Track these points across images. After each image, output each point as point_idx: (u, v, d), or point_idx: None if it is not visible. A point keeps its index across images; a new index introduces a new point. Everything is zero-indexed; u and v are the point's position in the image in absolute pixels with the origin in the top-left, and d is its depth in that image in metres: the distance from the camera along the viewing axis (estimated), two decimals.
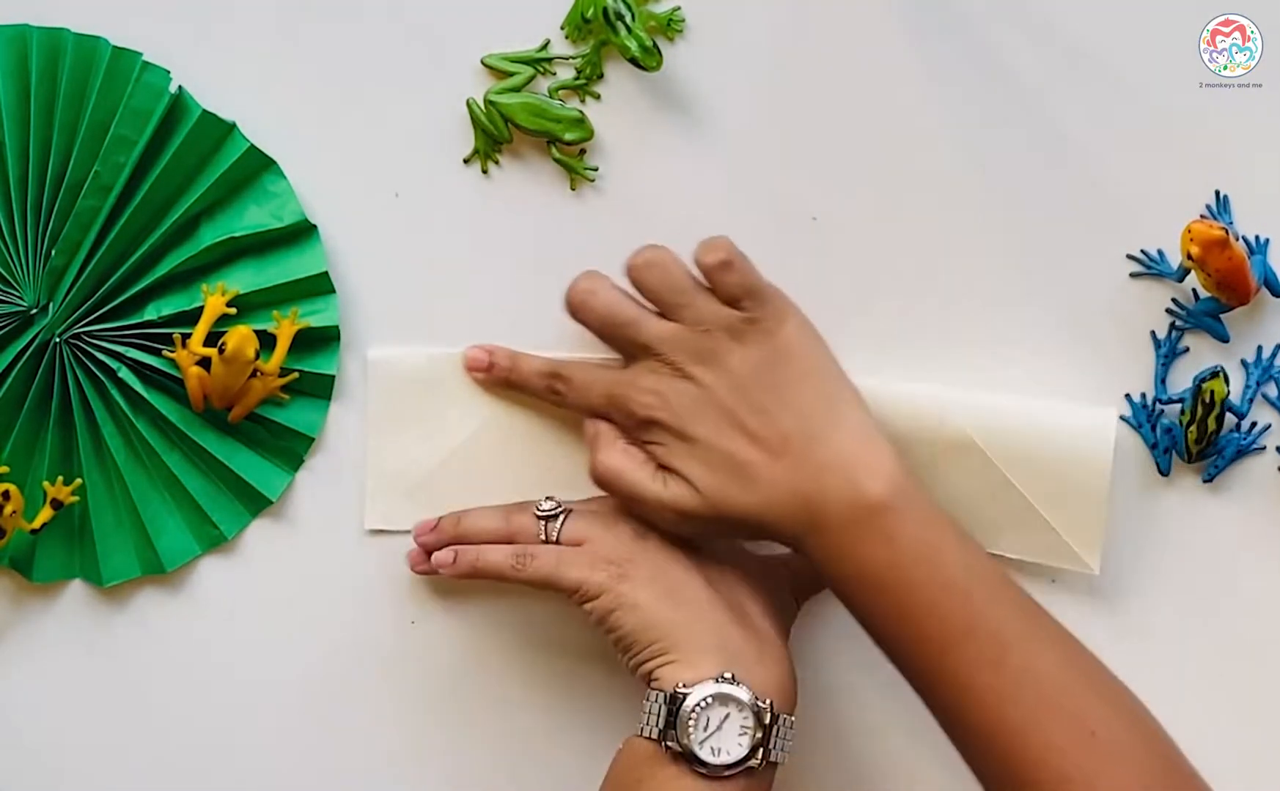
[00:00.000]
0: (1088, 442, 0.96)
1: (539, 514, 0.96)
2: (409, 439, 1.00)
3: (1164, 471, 0.99)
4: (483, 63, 0.99)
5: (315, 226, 1.00)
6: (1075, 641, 0.88)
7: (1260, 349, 0.98)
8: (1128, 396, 0.99)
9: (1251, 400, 0.98)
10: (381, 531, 1.01)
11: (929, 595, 0.87)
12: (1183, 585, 1.00)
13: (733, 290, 0.92)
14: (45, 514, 0.98)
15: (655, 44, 0.96)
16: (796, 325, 0.93)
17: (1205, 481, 0.99)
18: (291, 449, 1.01)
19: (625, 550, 0.93)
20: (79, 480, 1.00)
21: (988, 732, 0.85)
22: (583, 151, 0.99)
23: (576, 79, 0.99)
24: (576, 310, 0.95)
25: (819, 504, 0.89)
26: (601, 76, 0.99)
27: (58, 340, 0.99)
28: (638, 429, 0.93)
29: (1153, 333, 0.99)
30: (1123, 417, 0.99)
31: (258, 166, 1.00)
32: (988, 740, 0.85)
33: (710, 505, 0.91)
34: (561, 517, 0.95)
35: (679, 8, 0.98)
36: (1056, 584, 0.98)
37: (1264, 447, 0.99)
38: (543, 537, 0.95)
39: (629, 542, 0.94)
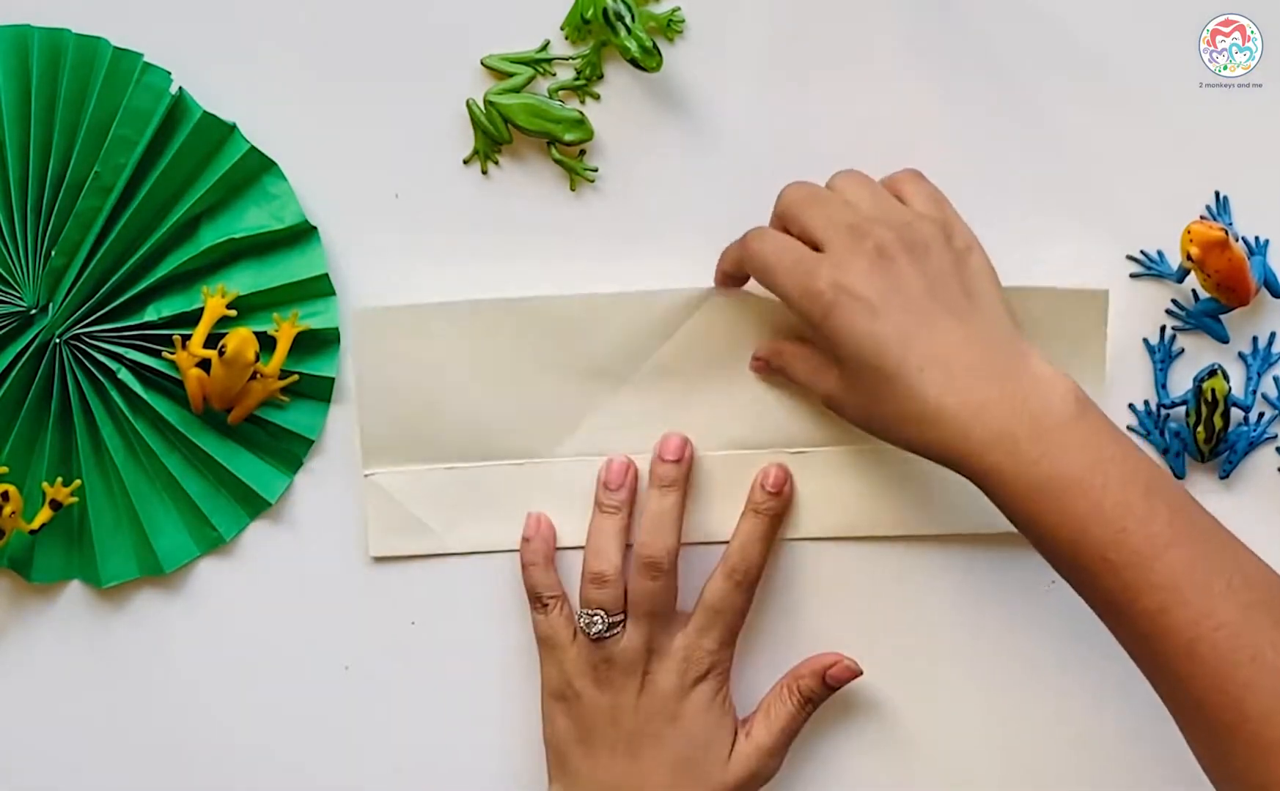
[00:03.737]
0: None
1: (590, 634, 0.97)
2: (403, 466, 1.00)
3: (1179, 474, 0.98)
4: (482, 64, 0.99)
5: (315, 228, 1.00)
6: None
7: (1255, 339, 0.98)
8: (1131, 406, 0.99)
9: (1255, 391, 0.98)
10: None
11: (1123, 496, 0.83)
12: None
13: (926, 201, 0.91)
14: (44, 514, 0.98)
15: (655, 44, 0.96)
16: (984, 253, 0.91)
17: (1222, 477, 0.98)
18: (291, 451, 1.01)
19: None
20: (78, 481, 1.00)
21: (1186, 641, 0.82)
22: (582, 152, 0.99)
23: (576, 80, 0.99)
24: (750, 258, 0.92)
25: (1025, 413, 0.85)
26: (601, 77, 0.99)
27: (57, 341, 0.99)
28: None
29: (1145, 340, 0.99)
30: (1130, 428, 0.99)
31: (258, 168, 1.00)
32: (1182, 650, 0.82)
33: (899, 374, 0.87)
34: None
35: (679, 8, 0.98)
36: (1057, 586, 0.98)
37: (1275, 435, 0.98)
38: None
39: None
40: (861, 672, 0.98)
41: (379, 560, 1.01)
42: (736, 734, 0.98)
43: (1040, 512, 0.84)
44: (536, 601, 0.98)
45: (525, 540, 0.99)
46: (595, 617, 0.96)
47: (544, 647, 0.98)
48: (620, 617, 0.96)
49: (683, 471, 0.98)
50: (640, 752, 0.96)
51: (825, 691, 0.98)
